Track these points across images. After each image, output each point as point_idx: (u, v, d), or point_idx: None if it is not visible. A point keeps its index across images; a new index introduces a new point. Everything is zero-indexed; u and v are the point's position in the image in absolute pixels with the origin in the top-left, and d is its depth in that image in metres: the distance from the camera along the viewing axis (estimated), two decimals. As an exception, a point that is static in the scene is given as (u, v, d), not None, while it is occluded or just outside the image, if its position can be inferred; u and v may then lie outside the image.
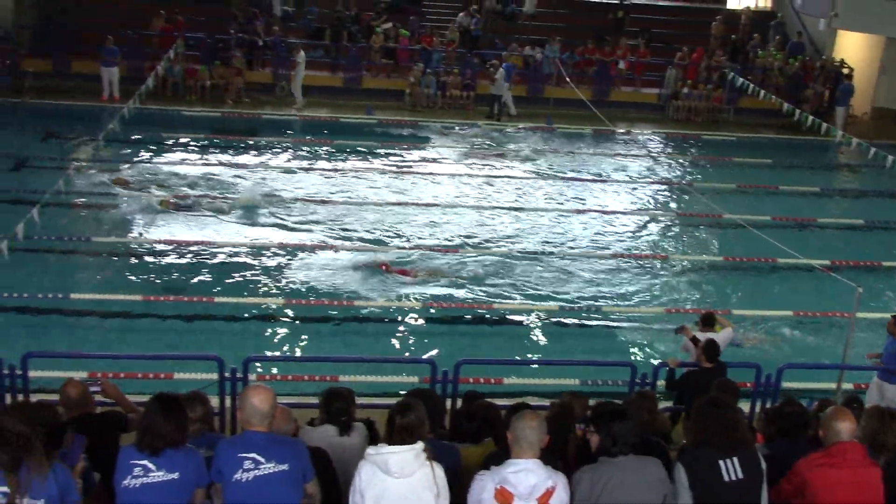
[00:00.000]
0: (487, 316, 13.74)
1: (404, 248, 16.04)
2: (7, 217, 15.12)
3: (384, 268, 14.90)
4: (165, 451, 5.21)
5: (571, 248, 16.85)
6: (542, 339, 13.25)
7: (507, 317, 13.79)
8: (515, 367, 12.18)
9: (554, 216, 18.53)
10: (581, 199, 19.78)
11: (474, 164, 21.83)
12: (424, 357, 11.74)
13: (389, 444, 5.26)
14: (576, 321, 13.81)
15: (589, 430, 5.67)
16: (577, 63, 28.17)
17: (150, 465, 5.18)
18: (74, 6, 28.25)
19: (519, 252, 16.25)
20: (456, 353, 12.00)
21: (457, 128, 25.08)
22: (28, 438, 4.89)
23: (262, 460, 5.15)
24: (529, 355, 12.80)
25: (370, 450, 5.28)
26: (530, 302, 14.32)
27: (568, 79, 26.39)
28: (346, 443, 6.24)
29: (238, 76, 25.95)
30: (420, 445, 5.23)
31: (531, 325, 13.59)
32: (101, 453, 6.11)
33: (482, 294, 14.44)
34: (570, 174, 21.58)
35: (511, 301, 14.30)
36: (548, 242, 17.00)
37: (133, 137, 20.98)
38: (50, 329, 12.50)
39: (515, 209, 18.69)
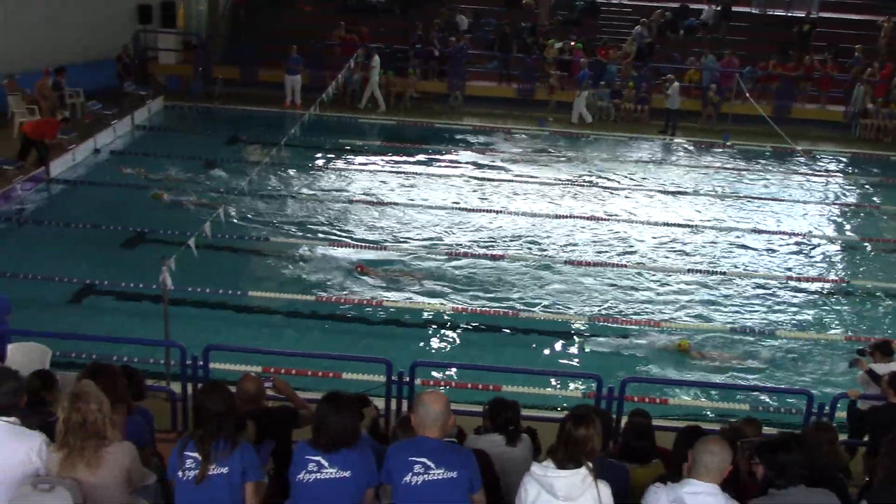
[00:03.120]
0: (654, 333, 13.40)
1: (571, 259, 15.91)
2: (197, 215, 16.05)
3: (360, 269, 14.87)
4: (340, 449, 5.34)
5: (745, 268, 16.26)
6: (710, 361, 12.79)
7: (674, 335, 13.41)
8: (683, 387, 11.86)
9: (728, 235, 17.93)
10: (757, 219, 19.06)
11: (644, 179, 21.45)
12: (590, 372, 11.56)
13: (556, 460, 5.15)
14: (746, 343, 13.28)
15: (755, 462, 5.45)
16: (759, 78, 27.25)
17: (324, 462, 5.32)
18: (263, 17, 29.63)
19: (689, 270, 15.81)
20: (621, 371, 11.85)
21: (628, 141, 24.78)
22: (223, 418, 5.35)
23: (432, 465, 5.17)
24: (698, 376, 12.39)
25: (537, 469, 5.19)
26: (698, 321, 13.90)
27: (748, 94, 25.53)
28: (512, 453, 6.23)
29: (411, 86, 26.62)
30: (585, 470, 5.12)
31: (698, 344, 13.15)
32: (275, 447, 6.33)
33: (646, 310, 14.15)
34: (746, 192, 20.88)
35: (678, 319, 13.94)
36: (720, 261, 16.47)
37: (312, 143, 21.80)
38: (228, 324, 13.05)
39: (686, 226, 18.21)
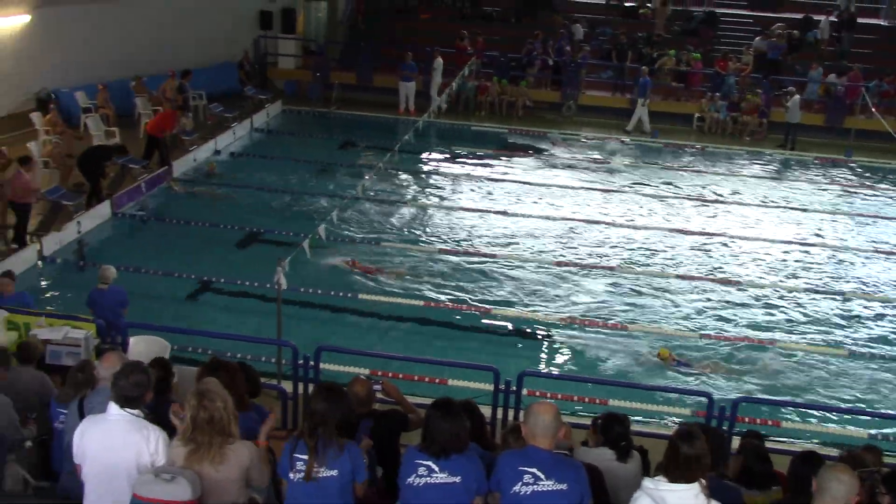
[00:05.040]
0: (762, 353, 12.99)
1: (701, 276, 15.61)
2: (310, 217, 16.37)
3: (352, 264, 14.98)
4: (451, 455, 5.34)
5: (865, 289, 15.64)
6: (825, 383, 12.33)
7: (791, 354, 12.97)
8: (797, 410, 11.47)
9: (847, 254, 17.29)
10: (879, 240, 18.32)
11: (760, 193, 20.90)
12: (700, 390, 11.30)
13: (668, 476, 5.04)
14: (865, 367, 12.77)
15: (879, 491, 5.21)
16: (885, 92, 26.21)
17: (434, 467, 5.32)
18: (381, 24, 30.08)
19: (804, 287, 15.32)
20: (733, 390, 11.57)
21: (745, 154, 24.21)
22: (326, 417, 5.37)
23: (542, 477, 5.14)
24: (812, 398, 11.95)
25: (648, 483, 5.08)
26: (812, 343, 13.41)
27: (874, 108, 24.59)
28: (623, 469, 6.13)
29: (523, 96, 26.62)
30: (698, 486, 4.98)
31: (815, 367, 12.70)
32: (384, 450, 6.38)
33: (758, 328, 13.77)
34: (869, 210, 20.12)
35: (792, 337, 13.51)
36: (838, 281, 15.90)
37: (425, 149, 21.98)
38: (338, 325, 13.23)
39: (803, 244, 17.65)
